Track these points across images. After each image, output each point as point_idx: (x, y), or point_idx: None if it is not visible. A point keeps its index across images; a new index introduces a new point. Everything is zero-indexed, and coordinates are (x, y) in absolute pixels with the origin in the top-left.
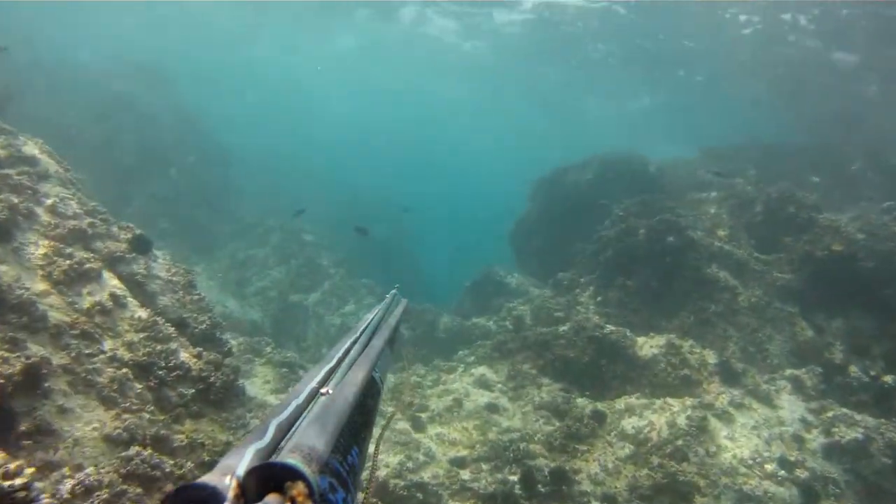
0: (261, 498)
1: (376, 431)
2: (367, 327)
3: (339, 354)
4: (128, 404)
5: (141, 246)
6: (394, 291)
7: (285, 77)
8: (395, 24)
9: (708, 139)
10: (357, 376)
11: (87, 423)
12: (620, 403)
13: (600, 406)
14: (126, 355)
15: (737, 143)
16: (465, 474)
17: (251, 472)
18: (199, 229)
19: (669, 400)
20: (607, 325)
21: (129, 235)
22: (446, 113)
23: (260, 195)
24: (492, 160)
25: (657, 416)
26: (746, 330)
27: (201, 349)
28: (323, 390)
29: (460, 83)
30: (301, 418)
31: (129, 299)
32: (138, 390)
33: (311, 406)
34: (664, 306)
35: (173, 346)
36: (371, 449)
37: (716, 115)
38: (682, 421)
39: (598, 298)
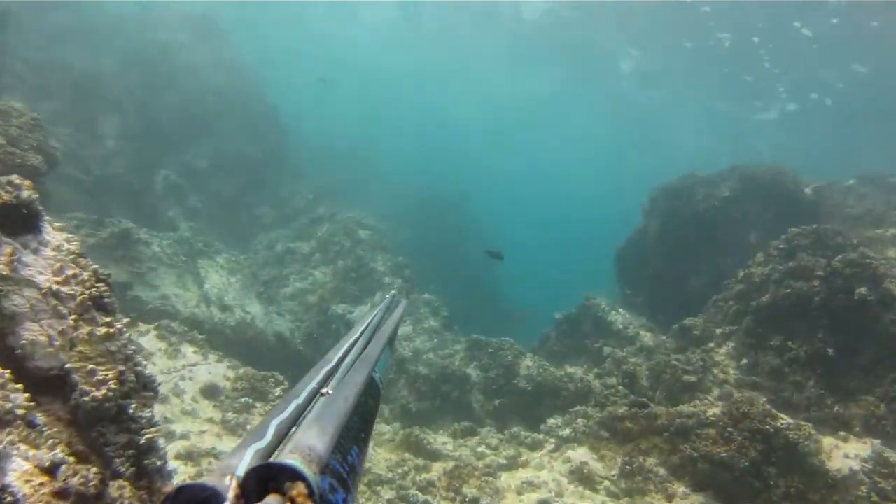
0: (261, 498)
1: None
2: (366, 328)
3: (340, 355)
4: None
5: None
6: (393, 292)
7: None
8: None
9: (857, 163)
10: (357, 377)
11: None
12: None
13: None
14: None
15: None
16: None
17: (251, 473)
18: (235, 210)
19: None
20: (781, 417)
21: None
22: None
23: (316, 178)
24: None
25: None
26: None
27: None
28: (323, 390)
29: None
30: (301, 418)
31: None
32: None
33: (311, 406)
34: (842, 384)
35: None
36: None
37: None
38: None
39: (744, 361)
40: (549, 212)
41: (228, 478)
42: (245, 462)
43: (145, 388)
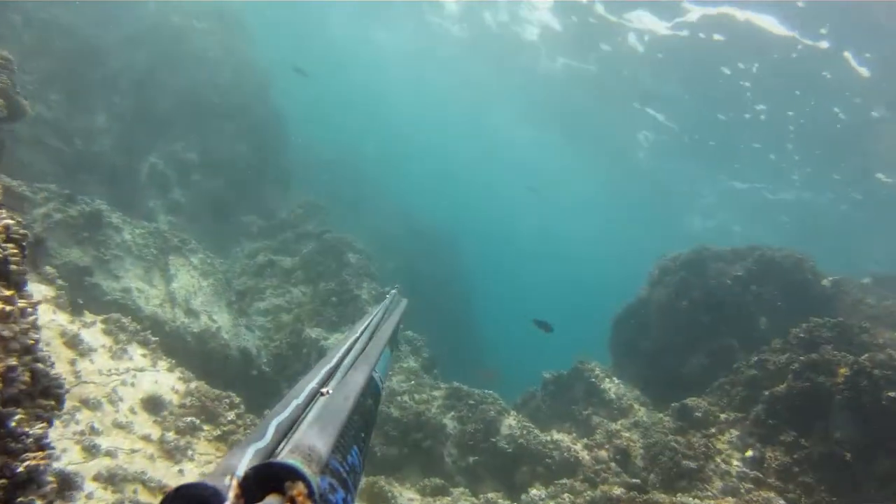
0: (261, 498)
1: None
2: (367, 327)
3: (340, 354)
4: None
5: None
6: (393, 291)
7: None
8: None
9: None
10: (357, 376)
11: None
12: None
13: None
14: None
15: None
16: None
17: (251, 472)
18: (219, 213)
19: None
20: None
21: None
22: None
23: (308, 192)
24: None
25: None
26: None
27: None
28: (323, 390)
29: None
30: (301, 418)
31: None
32: None
33: (311, 406)
34: (854, 491)
35: None
36: None
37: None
38: None
39: (749, 453)
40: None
41: (228, 477)
42: (245, 461)
43: (44, 393)
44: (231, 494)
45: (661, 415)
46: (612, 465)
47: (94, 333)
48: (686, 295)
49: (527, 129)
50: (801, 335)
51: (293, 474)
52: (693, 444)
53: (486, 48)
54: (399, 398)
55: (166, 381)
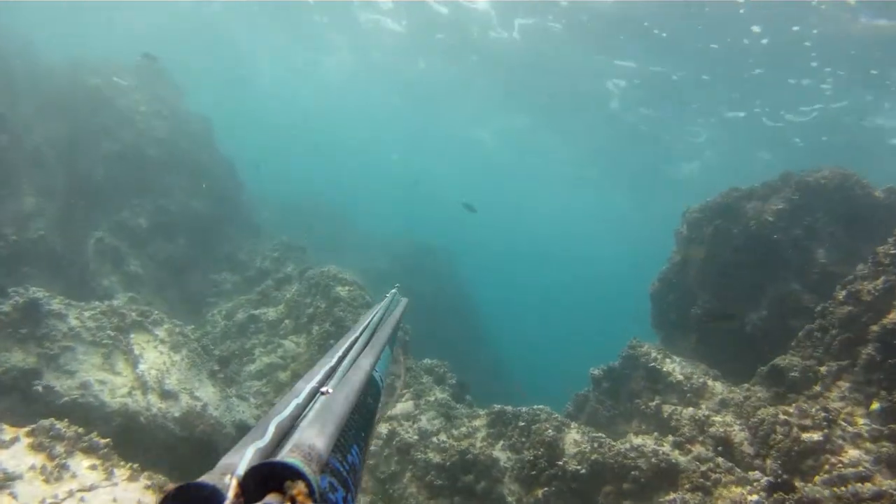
0: (261, 497)
1: None
2: (367, 327)
3: (340, 353)
4: None
5: None
6: (393, 291)
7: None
8: None
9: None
10: (357, 376)
11: None
12: None
13: None
14: None
15: None
16: None
17: (251, 472)
18: (185, 276)
19: None
20: None
21: None
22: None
23: (281, 234)
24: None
25: None
26: None
27: None
28: (323, 389)
29: None
30: (301, 417)
31: None
32: None
33: (311, 405)
34: None
35: None
36: None
37: None
38: None
39: (876, 406)
40: (552, 268)
41: (228, 477)
42: (245, 461)
43: None
44: (231, 494)
45: (745, 385)
46: (719, 460)
47: (18, 453)
48: (727, 245)
49: (493, 118)
50: (893, 251)
51: (293, 473)
52: (807, 412)
53: (431, 36)
54: (435, 439)
55: (128, 495)
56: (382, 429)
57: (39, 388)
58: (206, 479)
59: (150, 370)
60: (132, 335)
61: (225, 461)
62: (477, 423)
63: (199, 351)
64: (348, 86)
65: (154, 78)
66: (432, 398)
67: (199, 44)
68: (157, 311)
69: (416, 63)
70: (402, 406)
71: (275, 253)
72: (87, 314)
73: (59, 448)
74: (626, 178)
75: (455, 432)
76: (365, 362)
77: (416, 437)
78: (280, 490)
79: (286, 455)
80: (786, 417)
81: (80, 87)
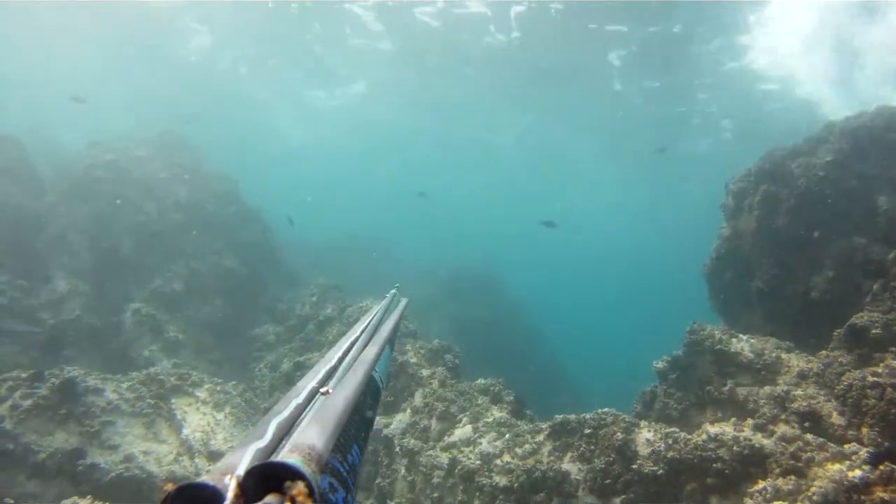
0: (261, 497)
1: None
2: (366, 327)
3: (340, 354)
4: None
5: None
6: (393, 291)
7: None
8: None
9: None
10: (357, 376)
11: None
12: None
13: None
14: None
15: None
16: None
17: (251, 472)
18: (227, 334)
19: None
20: None
21: None
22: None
23: (318, 278)
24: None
25: None
26: None
27: None
28: (323, 389)
29: None
30: (301, 417)
31: None
32: None
33: (311, 405)
34: None
35: None
36: None
37: None
38: None
39: None
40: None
41: (228, 477)
42: (245, 461)
43: None
44: (231, 494)
45: (823, 353)
46: (808, 437)
47: None
48: (779, 209)
49: (510, 126)
50: None
51: (293, 473)
52: None
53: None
54: (499, 461)
55: None
56: (443, 458)
57: (82, 468)
58: (206, 479)
59: (195, 433)
60: (173, 400)
61: (225, 461)
62: (540, 437)
63: (243, 406)
64: (372, 114)
65: (172, 145)
66: (490, 419)
67: (221, 105)
68: (196, 373)
69: (426, 79)
70: (460, 431)
71: (313, 297)
72: (124, 385)
73: None
74: (645, 167)
75: (519, 451)
76: (365, 362)
77: (478, 461)
78: (280, 490)
79: (286, 455)
80: (875, 379)
81: (95, 165)
